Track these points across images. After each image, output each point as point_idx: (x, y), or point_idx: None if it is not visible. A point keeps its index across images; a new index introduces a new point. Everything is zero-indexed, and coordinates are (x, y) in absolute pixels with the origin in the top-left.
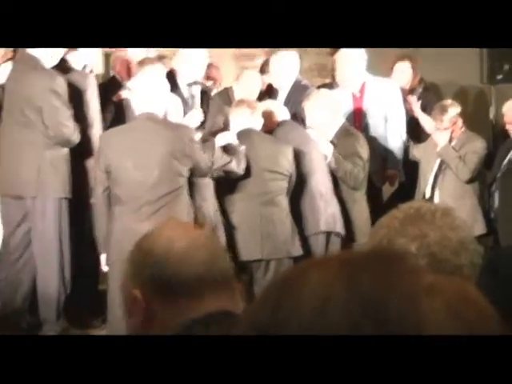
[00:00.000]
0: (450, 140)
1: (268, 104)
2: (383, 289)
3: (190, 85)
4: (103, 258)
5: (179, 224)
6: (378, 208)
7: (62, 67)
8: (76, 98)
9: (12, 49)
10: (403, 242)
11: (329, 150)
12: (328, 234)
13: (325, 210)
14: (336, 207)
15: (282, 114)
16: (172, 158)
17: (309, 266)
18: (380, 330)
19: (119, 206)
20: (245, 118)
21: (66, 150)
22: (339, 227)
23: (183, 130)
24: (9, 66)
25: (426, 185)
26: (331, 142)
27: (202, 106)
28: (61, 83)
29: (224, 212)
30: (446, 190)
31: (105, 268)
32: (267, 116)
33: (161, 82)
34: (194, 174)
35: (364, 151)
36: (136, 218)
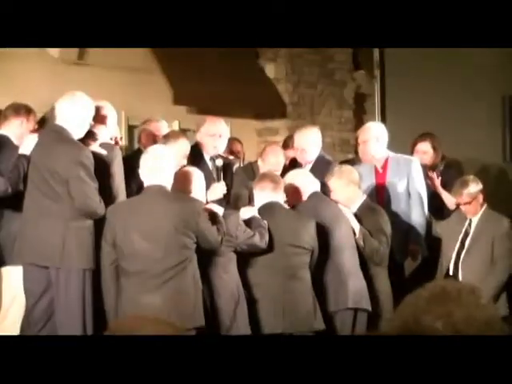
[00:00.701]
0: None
1: (299, 173)
2: None
3: (213, 158)
4: None
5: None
6: (399, 283)
7: (89, 139)
8: (102, 170)
9: (38, 120)
10: (429, 320)
11: (357, 225)
12: (355, 311)
13: (352, 287)
14: (362, 283)
15: (311, 185)
16: (177, 230)
17: None
18: None
19: (126, 278)
20: (268, 192)
21: (90, 222)
22: (366, 304)
23: (189, 204)
24: (35, 137)
25: (448, 261)
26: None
27: (224, 179)
28: (87, 155)
29: (247, 285)
30: (470, 268)
31: None
32: (294, 189)
33: (169, 155)
34: (201, 247)
35: (388, 227)
36: (142, 290)
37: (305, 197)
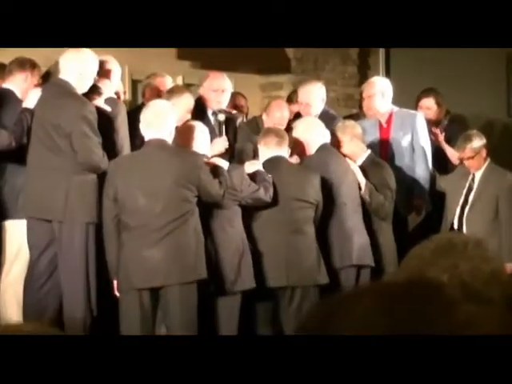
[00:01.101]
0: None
1: (309, 123)
2: (421, 324)
3: (216, 113)
4: (115, 283)
5: None
6: (404, 238)
7: (93, 93)
8: (105, 124)
9: (42, 74)
10: (434, 272)
11: (363, 180)
12: (359, 267)
13: (357, 243)
14: (366, 239)
15: (321, 137)
16: (177, 184)
17: (346, 300)
18: None
19: (127, 232)
20: (273, 147)
21: (93, 176)
22: (369, 260)
23: (189, 157)
24: (38, 91)
25: (452, 216)
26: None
27: (227, 134)
28: (91, 110)
29: (251, 239)
30: (474, 222)
31: (117, 293)
32: (303, 140)
33: (171, 109)
34: (204, 200)
35: (392, 182)
36: (143, 244)
37: (314, 148)
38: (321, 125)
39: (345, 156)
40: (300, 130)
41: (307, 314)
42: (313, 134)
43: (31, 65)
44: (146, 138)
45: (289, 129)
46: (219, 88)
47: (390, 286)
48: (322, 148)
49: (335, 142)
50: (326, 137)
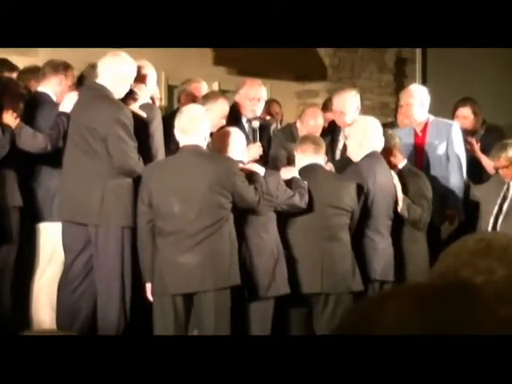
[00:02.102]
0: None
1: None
2: (457, 326)
3: (249, 120)
4: (148, 287)
5: None
6: (436, 247)
7: (129, 98)
8: (141, 129)
9: (77, 77)
10: (469, 273)
11: (401, 195)
12: (382, 282)
13: (382, 257)
14: (391, 253)
15: (372, 142)
16: (212, 190)
17: (382, 299)
18: None
19: (162, 237)
20: (309, 155)
21: (129, 180)
22: (392, 276)
23: (225, 163)
24: (75, 95)
25: (486, 225)
26: None
27: (261, 141)
28: (127, 114)
29: (286, 245)
30: (508, 231)
31: (150, 297)
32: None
33: (205, 114)
34: (239, 206)
35: (429, 192)
36: (178, 249)
37: (364, 150)
38: (380, 128)
39: None
40: (361, 125)
41: (345, 313)
42: (368, 137)
43: (65, 67)
44: (181, 144)
45: (323, 136)
46: (255, 97)
47: (426, 287)
48: (372, 155)
49: None
50: (378, 142)
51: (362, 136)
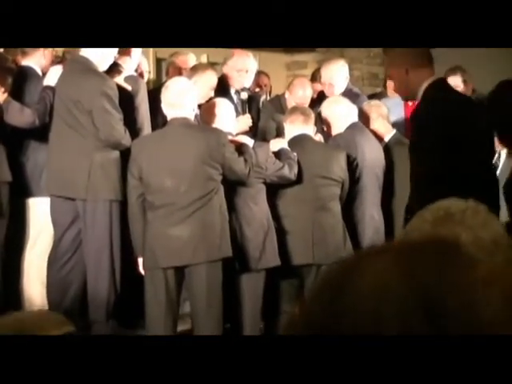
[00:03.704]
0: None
1: (337, 102)
2: (440, 282)
3: (238, 91)
4: (141, 261)
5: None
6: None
7: (114, 71)
8: (126, 101)
9: (62, 50)
10: None
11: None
12: None
13: (371, 227)
14: (381, 223)
15: (350, 116)
16: (202, 162)
17: (363, 259)
18: (434, 325)
19: (153, 211)
20: (298, 125)
21: (116, 153)
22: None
23: (213, 135)
24: (59, 68)
25: None
26: None
27: (250, 112)
28: (112, 86)
29: (276, 217)
30: None
31: (141, 271)
32: (332, 119)
33: (191, 87)
34: (228, 178)
35: None
36: (169, 222)
37: (342, 126)
38: (347, 103)
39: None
40: (327, 109)
41: (327, 269)
42: (340, 112)
43: None
44: (169, 117)
45: (312, 107)
46: (243, 68)
47: (409, 244)
48: (353, 126)
49: (361, 122)
50: (353, 114)
51: (334, 117)
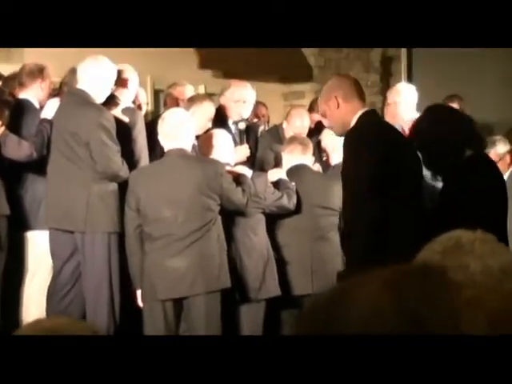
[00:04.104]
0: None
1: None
2: (428, 306)
3: (236, 122)
4: (138, 293)
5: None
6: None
7: (111, 103)
8: (123, 134)
9: (60, 82)
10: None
11: None
12: None
13: None
14: None
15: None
16: (200, 193)
17: (354, 285)
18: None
19: (150, 242)
20: (297, 155)
21: (114, 185)
22: None
23: (211, 165)
24: (56, 101)
25: None
26: None
27: (248, 142)
28: (109, 118)
29: (275, 247)
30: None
31: (140, 304)
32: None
33: (188, 118)
34: (226, 209)
35: None
36: (167, 254)
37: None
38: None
39: None
40: (327, 139)
41: (315, 298)
42: (339, 142)
43: (39, 70)
44: (166, 149)
45: (310, 137)
46: (241, 99)
47: (395, 270)
48: None
49: None
50: None
51: (333, 147)
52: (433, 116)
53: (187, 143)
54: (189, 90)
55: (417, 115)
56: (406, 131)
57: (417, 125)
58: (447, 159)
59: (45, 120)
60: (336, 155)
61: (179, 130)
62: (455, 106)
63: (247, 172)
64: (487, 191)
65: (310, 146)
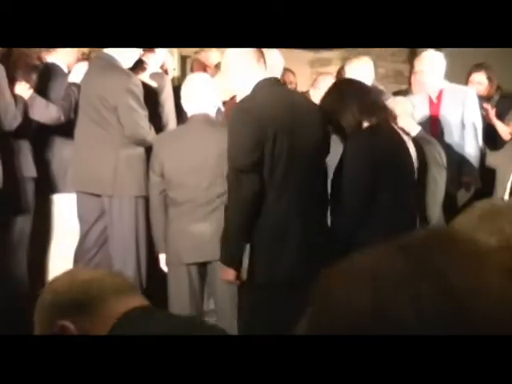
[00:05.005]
0: None
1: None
2: (444, 260)
3: None
4: (162, 257)
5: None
6: (452, 215)
7: (138, 68)
8: (151, 98)
9: (88, 48)
10: (483, 236)
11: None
12: None
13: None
14: None
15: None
16: (223, 159)
17: (375, 256)
18: (441, 299)
19: (175, 207)
20: None
21: (141, 149)
22: None
23: None
24: (84, 65)
25: (503, 192)
26: None
27: None
28: (137, 83)
29: None
30: None
31: (164, 268)
32: None
33: (210, 83)
34: None
35: (443, 160)
36: (191, 219)
37: None
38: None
39: None
40: None
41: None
42: None
43: None
44: (189, 114)
45: None
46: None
47: (413, 238)
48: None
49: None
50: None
51: None
52: (334, 88)
53: (210, 108)
54: (215, 56)
55: (445, 84)
56: (434, 100)
57: (322, 98)
58: (347, 129)
59: (72, 84)
60: None
61: (200, 94)
62: (482, 74)
63: None
64: (354, 160)
65: None
